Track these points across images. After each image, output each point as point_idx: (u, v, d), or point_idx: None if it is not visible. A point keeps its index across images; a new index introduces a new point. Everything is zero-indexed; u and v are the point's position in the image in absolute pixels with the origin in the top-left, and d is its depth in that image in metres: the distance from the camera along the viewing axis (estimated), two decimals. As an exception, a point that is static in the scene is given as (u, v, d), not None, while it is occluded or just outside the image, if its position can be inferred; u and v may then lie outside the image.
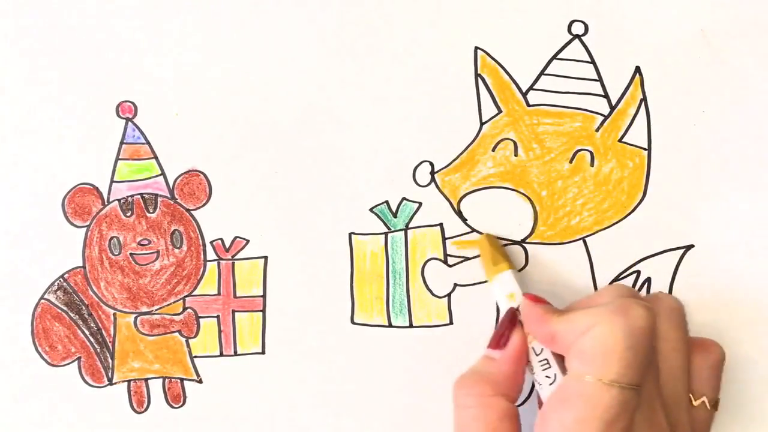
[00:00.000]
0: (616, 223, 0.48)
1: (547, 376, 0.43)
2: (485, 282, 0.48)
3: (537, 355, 0.43)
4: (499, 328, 0.44)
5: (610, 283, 0.48)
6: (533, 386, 0.46)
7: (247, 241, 0.49)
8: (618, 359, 0.38)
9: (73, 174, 0.49)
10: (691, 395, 0.43)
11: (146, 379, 0.49)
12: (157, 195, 0.49)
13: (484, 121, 0.48)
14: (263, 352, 0.48)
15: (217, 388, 0.49)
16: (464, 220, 0.48)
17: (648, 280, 0.48)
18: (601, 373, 0.38)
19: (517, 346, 0.43)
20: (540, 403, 0.44)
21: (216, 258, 0.49)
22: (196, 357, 0.49)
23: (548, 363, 0.43)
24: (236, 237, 0.49)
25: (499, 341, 0.44)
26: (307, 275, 0.48)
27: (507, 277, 0.46)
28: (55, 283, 0.49)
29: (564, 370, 0.42)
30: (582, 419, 0.38)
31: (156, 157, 0.49)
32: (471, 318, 0.48)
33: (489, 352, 0.44)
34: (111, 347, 0.49)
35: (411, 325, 0.48)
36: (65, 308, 0.48)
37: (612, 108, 0.48)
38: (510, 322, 0.44)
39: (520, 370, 0.43)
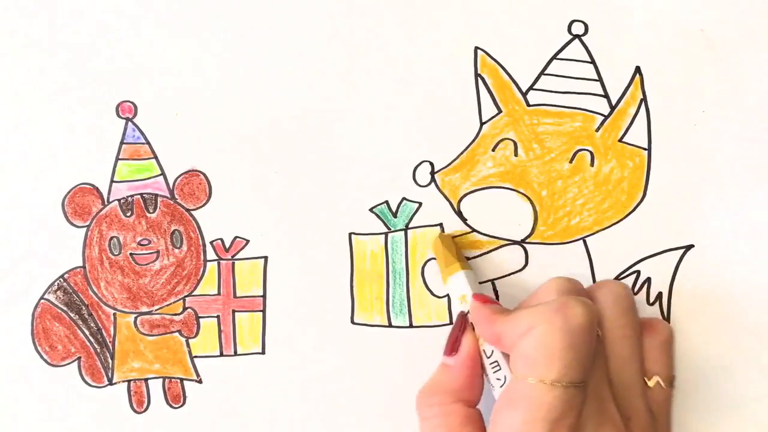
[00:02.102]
0: (616, 223, 0.48)
1: (498, 378, 0.43)
2: (485, 282, 0.48)
3: (488, 357, 0.43)
4: (451, 332, 0.45)
5: (610, 283, 0.48)
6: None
7: (247, 241, 0.49)
8: (558, 359, 0.39)
9: (73, 174, 0.49)
10: (644, 377, 0.43)
11: (146, 379, 0.49)
12: (157, 195, 0.49)
13: (484, 121, 0.48)
14: (263, 352, 0.48)
15: (217, 388, 0.49)
16: (464, 220, 0.48)
17: (648, 280, 0.48)
18: (542, 374, 0.39)
19: (469, 351, 0.44)
20: None
21: (216, 258, 0.49)
22: (196, 357, 0.49)
23: (498, 365, 0.43)
24: (236, 237, 0.49)
25: (452, 347, 0.44)
26: (307, 275, 0.48)
27: (458, 279, 0.46)
28: (55, 283, 0.49)
29: None
30: (528, 420, 0.38)
31: (156, 157, 0.49)
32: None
33: (444, 359, 0.44)
34: (111, 347, 0.49)
35: (411, 325, 0.48)
36: (65, 308, 0.48)
37: (612, 108, 0.48)
38: (461, 325, 0.44)
39: (475, 374, 0.43)
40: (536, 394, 0.39)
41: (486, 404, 0.44)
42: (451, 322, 0.48)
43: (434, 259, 0.48)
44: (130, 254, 0.49)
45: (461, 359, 0.44)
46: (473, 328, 0.44)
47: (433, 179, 0.48)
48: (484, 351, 0.44)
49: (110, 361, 0.49)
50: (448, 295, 0.48)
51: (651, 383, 0.43)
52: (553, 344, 0.39)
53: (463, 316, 0.45)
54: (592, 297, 0.43)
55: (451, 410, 0.42)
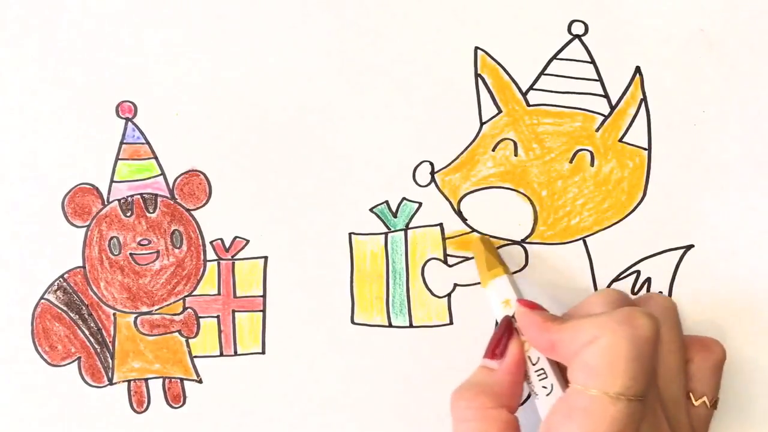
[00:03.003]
0: (616, 223, 0.48)
1: (543, 387, 0.42)
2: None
3: (533, 364, 0.43)
4: (495, 336, 0.44)
5: (610, 283, 0.48)
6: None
7: (247, 241, 0.49)
8: (623, 372, 0.38)
9: (73, 174, 0.49)
10: (691, 395, 0.43)
11: (146, 379, 0.49)
12: (157, 195, 0.49)
13: (484, 121, 0.48)
14: (263, 352, 0.48)
15: (217, 388, 0.49)
16: (464, 220, 0.48)
17: (648, 280, 0.48)
18: (606, 386, 0.38)
19: (515, 356, 0.43)
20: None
21: (216, 258, 0.49)
22: (196, 357, 0.49)
23: (545, 373, 0.42)
24: (236, 237, 0.49)
25: (495, 350, 0.43)
26: (307, 275, 0.48)
27: (502, 283, 0.45)
28: (55, 283, 0.49)
29: (561, 380, 0.42)
30: None
31: (156, 157, 0.49)
32: (471, 318, 0.48)
33: (486, 362, 0.43)
34: (111, 347, 0.49)
35: (411, 325, 0.48)
36: (65, 308, 0.48)
37: (612, 108, 0.48)
38: (506, 330, 0.43)
39: (519, 380, 0.43)
40: (599, 406, 0.37)
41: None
42: (450, 322, 0.48)
43: (434, 258, 0.48)
44: (130, 254, 0.49)
45: (507, 364, 0.42)
46: (518, 333, 0.43)
47: (433, 179, 0.48)
48: (529, 357, 0.43)
49: (110, 361, 0.49)
50: (448, 295, 0.48)
51: (697, 402, 0.43)
52: (620, 356, 0.38)
53: (509, 320, 0.44)
54: None
55: (492, 415, 0.41)
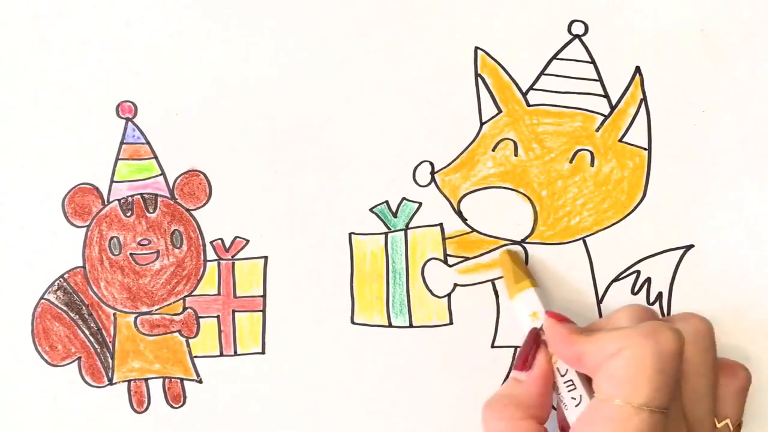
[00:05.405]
0: (616, 223, 0.48)
1: (572, 398, 0.43)
2: (485, 282, 0.48)
3: (562, 375, 0.43)
4: (523, 348, 0.44)
5: (610, 283, 0.48)
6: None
7: (247, 241, 0.49)
8: (648, 382, 0.38)
9: (73, 174, 0.49)
10: (715, 417, 0.43)
11: (146, 379, 0.49)
12: (157, 195, 0.49)
13: (484, 121, 0.48)
14: (263, 352, 0.48)
15: (217, 388, 0.49)
16: (464, 220, 0.48)
17: (648, 280, 0.48)
18: (630, 396, 0.38)
19: (543, 367, 0.43)
20: (561, 424, 0.44)
21: (216, 258, 0.49)
22: (196, 357, 0.49)
23: (573, 384, 0.43)
24: (236, 237, 0.49)
25: (524, 362, 0.44)
26: (307, 275, 0.48)
27: (529, 296, 0.45)
28: (55, 283, 0.49)
29: (590, 392, 0.42)
30: None
31: (156, 157, 0.49)
32: (471, 318, 0.48)
33: (516, 374, 0.44)
34: (111, 347, 0.49)
35: (411, 325, 0.48)
36: (65, 308, 0.48)
37: (612, 108, 0.48)
38: (534, 342, 0.44)
39: (547, 392, 0.43)
40: (622, 416, 0.38)
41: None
42: (450, 322, 0.48)
43: (434, 258, 0.48)
44: (130, 254, 0.49)
45: (535, 375, 0.43)
46: (545, 345, 0.44)
47: (433, 179, 0.48)
48: (557, 369, 0.43)
49: (110, 361, 0.49)
50: (448, 295, 0.48)
51: (720, 425, 0.43)
52: (644, 367, 0.38)
53: (537, 332, 0.44)
54: None
55: (522, 426, 0.42)
